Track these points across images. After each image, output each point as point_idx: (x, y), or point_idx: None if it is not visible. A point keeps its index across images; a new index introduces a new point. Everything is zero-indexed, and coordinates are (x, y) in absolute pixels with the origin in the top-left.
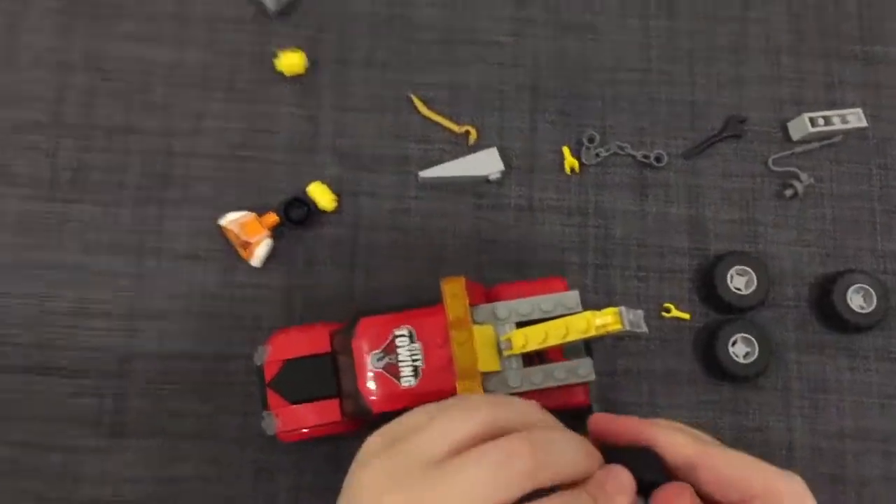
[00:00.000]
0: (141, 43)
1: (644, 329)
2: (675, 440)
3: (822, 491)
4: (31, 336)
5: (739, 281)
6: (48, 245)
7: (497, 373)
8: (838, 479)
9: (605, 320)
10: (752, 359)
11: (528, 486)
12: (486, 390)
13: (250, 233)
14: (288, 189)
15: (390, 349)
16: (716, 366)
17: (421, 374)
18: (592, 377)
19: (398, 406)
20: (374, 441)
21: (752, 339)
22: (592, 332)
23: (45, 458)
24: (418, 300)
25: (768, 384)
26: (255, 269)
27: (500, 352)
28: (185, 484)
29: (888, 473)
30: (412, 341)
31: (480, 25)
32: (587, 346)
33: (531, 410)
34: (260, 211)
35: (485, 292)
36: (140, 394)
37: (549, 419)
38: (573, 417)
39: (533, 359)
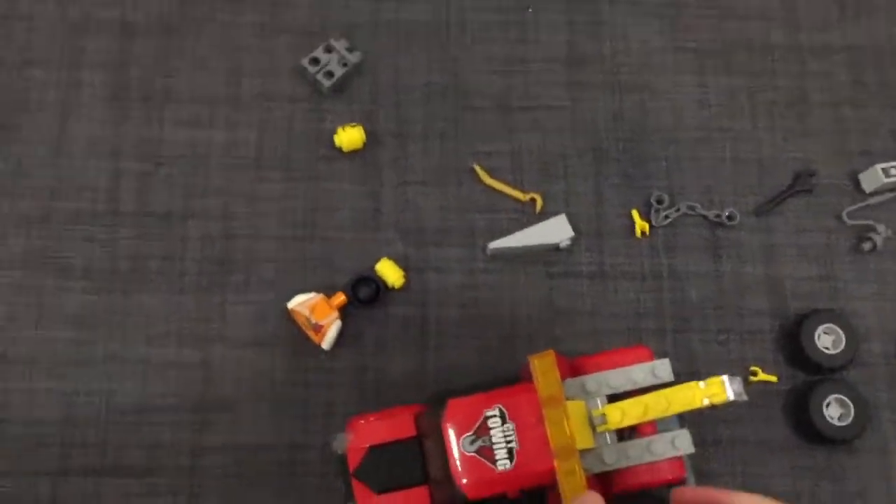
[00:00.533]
0: (193, 126)
1: (745, 398)
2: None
3: None
4: (97, 435)
5: (827, 340)
6: (111, 338)
7: (591, 449)
8: None
9: (711, 391)
10: (847, 420)
11: None
12: None
13: (320, 315)
14: (353, 268)
15: (483, 431)
16: (810, 429)
17: (516, 455)
18: (692, 450)
19: (494, 491)
20: None
21: (847, 399)
22: (697, 405)
23: None
24: (503, 377)
25: (864, 446)
26: (323, 351)
27: (593, 428)
28: None
29: None
30: (504, 422)
31: (536, 91)
32: (680, 416)
33: None
34: (327, 292)
35: (569, 365)
36: (215, 490)
37: None
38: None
39: (623, 432)
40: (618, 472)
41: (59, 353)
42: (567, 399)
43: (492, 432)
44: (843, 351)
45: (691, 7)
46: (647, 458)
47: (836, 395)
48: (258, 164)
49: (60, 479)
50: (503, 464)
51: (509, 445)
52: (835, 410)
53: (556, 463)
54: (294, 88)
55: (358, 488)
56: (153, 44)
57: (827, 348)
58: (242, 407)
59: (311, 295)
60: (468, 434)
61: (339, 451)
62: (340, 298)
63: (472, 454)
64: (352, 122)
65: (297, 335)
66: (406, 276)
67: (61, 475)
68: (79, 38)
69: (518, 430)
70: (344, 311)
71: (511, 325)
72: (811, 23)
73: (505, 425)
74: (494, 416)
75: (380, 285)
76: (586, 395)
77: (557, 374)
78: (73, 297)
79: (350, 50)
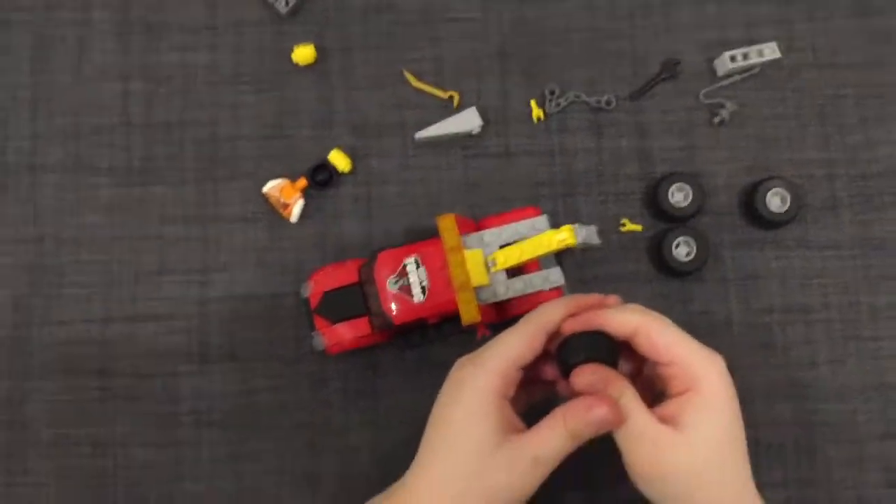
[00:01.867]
0: (183, 51)
1: (597, 241)
2: (621, 317)
3: (756, 355)
4: (129, 293)
5: (679, 196)
6: (134, 221)
7: (487, 286)
8: (769, 346)
9: (562, 236)
10: (691, 257)
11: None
12: (479, 300)
13: (287, 196)
14: (313, 158)
15: (403, 274)
16: (665, 265)
17: (428, 291)
18: (562, 281)
19: (413, 317)
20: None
21: (691, 240)
22: (554, 247)
23: (153, 384)
24: (422, 235)
25: (709, 277)
26: (293, 224)
27: (488, 269)
28: (259, 395)
29: (808, 338)
30: (419, 267)
31: (454, 4)
32: (558, 259)
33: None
34: (293, 178)
35: (475, 224)
36: (217, 330)
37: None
38: None
39: (516, 272)
40: (511, 302)
41: (97, 235)
42: (468, 249)
43: (409, 275)
44: (690, 204)
45: None
46: (529, 290)
47: (683, 238)
48: (235, 80)
49: (108, 324)
50: (418, 297)
51: (422, 284)
52: (682, 250)
53: (456, 295)
54: (260, 13)
55: (319, 321)
56: None
57: (678, 202)
58: (235, 267)
59: (280, 180)
60: (392, 276)
61: (305, 295)
62: (302, 182)
63: (397, 291)
64: (305, 41)
65: (271, 213)
66: (353, 163)
67: (108, 321)
68: None
69: (429, 273)
70: (306, 192)
71: (436, 196)
72: None
73: (419, 269)
74: (411, 262)
75: (332, 171)
76: (484, 245)
77: (457, 230)
78: (103, 192)
79: None
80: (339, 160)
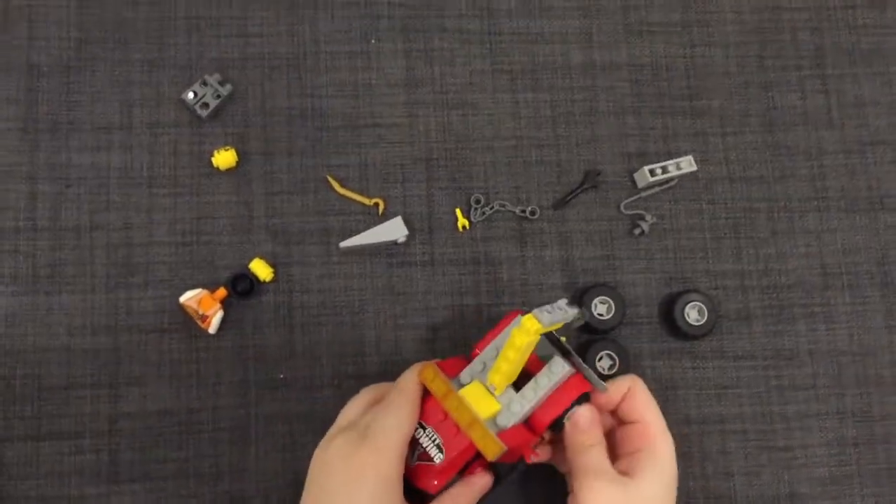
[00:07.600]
0: (94, 151)
1: (572, 314)
2: (620, 382)
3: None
4: (34, 409)
5: (602, 308)
6: (39, 332)
7: (501, 410)
8: (686, 455)
9: (527, 328)
10: (614, 370)
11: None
12: (501, 427)
13: (206, 307)
14: (233, 266)
15: (414, 444)
16: None
17: (444, 447)
18: (566, 368)
19: (445, 479)
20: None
21: (614, 353)
22: (530, 339)
23: None
24: None
25: None
26: (212, 335)
27: (493, 395)
28: None
29: (724, 448)
30: (424, 429)
31: (379, 111)
32: (560, 348)
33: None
34: (211, 287)
35: (466, 360)
36: (129, 447)
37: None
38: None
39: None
40: (534, 415)
41: None
42: (465, 385)
43: (420, 441)
44: (612, 316)
45: (506, 35)
46: (541, 392)
47: (606, 351)
48: (150, 182)
49: (6, 445)
50: (438, 457)
51: (436, 442)
52: (606, 362)
53: (469, 434)
54: (177, 116)
55: None
56: (56, 81)
57: (601, 314)
58: (148, 381)
59: (198, 290)
60: (409, 453)
61: None
62: (222, 292)
63: (416, 464)
64: (226, 144)
65: (188, 323)
66: (275, 271)
67: (7, 441)
68: None
69: (436, 429)
70: (225, 303)
71: (361, 306)
72: (601, 43)
73: (427, 430)
74: (417, 429)
75: (253, 280)
76: (478, 375)
77: (441, 375)
78: (3, 300)
79: (222, 83)
80: (261, 269)
